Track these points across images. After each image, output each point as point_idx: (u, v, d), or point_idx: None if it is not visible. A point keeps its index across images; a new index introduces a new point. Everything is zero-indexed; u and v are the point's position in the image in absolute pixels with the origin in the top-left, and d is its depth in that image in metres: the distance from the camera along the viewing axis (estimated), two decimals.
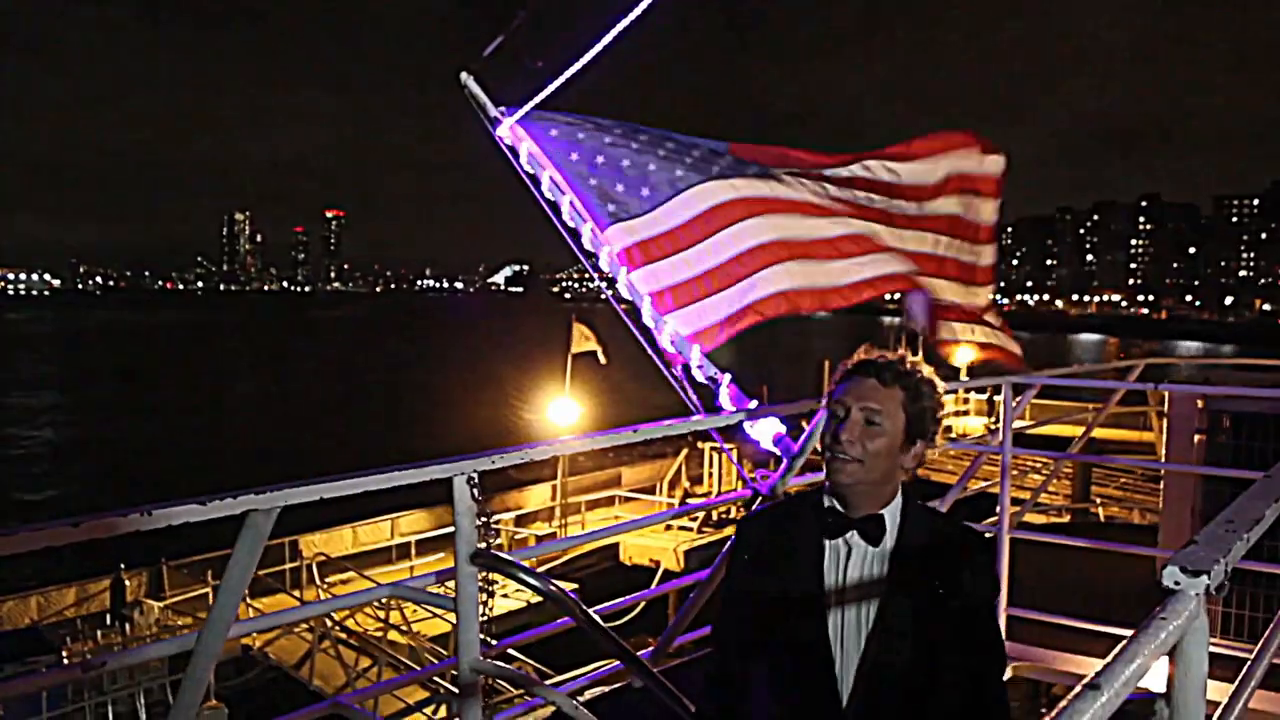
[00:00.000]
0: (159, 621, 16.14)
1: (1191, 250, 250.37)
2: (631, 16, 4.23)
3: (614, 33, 4.27)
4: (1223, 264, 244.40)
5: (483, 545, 2.83)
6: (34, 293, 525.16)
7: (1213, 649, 1.45)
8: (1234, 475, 5.20)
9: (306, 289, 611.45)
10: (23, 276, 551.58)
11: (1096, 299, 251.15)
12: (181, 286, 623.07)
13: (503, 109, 4.70)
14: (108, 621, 16.22)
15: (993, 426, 24.46)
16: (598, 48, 4.33)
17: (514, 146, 4.68)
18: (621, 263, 4.50)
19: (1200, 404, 6.05)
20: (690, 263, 4.50)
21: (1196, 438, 6.08)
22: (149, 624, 16.05)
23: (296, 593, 16.95)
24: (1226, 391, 5.90)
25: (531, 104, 4.58)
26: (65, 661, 13.79)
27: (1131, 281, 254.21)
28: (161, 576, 17.57)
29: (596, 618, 2.92)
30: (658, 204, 4.51)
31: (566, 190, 4.55)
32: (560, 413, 20.59)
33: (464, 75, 4.70)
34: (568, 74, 4.43)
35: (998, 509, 5.33)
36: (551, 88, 4.51)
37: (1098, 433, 14.39)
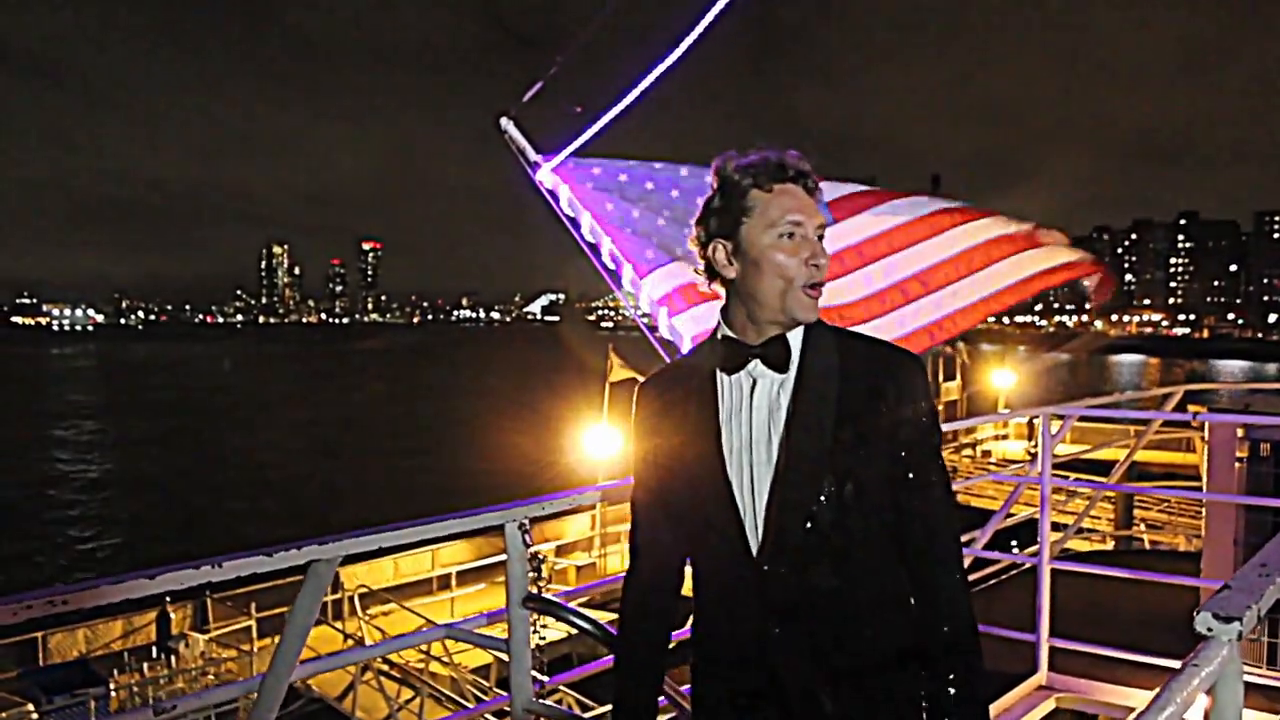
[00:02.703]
0: (204, 654, 16.30)
1: (1233, 268, 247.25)
2: (669, 61, 4.30)
3: (652, 77, 4.34)
4: (1265, 281, 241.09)
5: (534, 589, 2.91)
6: (77, 328, 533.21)
7: (1254, 679, 1.49)
8: (1276, 505, 5.19)
9: (344, 320, 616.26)
10: (66, 312, 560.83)
11: (1136, 319, 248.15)
12: (221, 320, 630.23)
13: (542, 156, 4.77)
14: (154, 654, 16.39)
15: (1033, 450, 24.24)
16: (636, 92, 4.39)
17: (554, 191, 4.75)
18: (661, 304, 4.56)
19: (1240, 430, 6.02)
20: None
21: (1237, 465, 6.04)
22: (194, 656, 16.20)
23: (338, 624, 17.03)
24: (1263, 421, 5.86)
25: (570, 149, 4.66)
26: (112, 692, 13.99)
27: (1171, 300, 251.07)
28: (206, 609, 17.77)
29: None
30: None
31: (606, 235, 4.62)
32: (599, 442, 20.59)
33: (504, 121, 4.77)
34: (606, 118, 4.49)
35: (1038, 538, 5.34)
36: (590, 132, 4.58)
37: (1141, 455, 14.23)
